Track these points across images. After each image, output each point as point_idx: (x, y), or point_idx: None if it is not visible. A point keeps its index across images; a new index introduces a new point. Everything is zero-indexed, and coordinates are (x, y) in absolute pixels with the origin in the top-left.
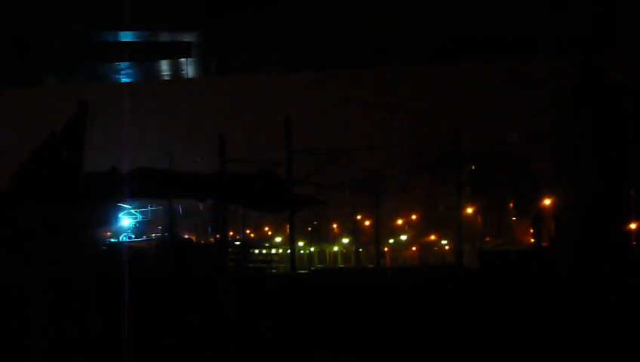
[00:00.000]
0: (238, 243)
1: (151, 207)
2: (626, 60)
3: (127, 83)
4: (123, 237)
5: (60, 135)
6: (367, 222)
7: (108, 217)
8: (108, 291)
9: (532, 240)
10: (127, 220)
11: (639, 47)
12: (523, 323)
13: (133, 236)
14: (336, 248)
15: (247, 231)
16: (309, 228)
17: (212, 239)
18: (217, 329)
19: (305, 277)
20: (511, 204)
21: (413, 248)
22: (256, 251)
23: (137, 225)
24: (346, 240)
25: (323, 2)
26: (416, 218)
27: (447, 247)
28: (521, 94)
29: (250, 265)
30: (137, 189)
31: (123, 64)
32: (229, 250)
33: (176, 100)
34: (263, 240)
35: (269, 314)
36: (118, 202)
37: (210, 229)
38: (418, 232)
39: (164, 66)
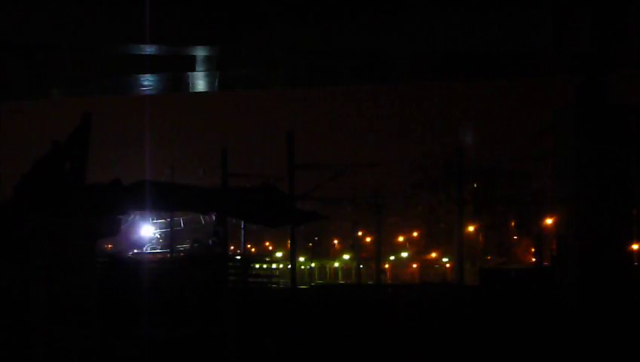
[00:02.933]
0: (238, 257)
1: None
2: (630, 79)
3: (130, 96)
4: (145, 249)
5: (64, 146)
6: (368, 239)
7: (110, 229)
8: (106, 302)
9: (533, 259)
10: (148, 231)
11: None
12: (523, 342)
13: (158, 248)
14: (337, 264)
15: (248, 246)
16: (310, 244)
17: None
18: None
19: (305, 293)
20: (513, 223)
21: (414, 265)
22: (257, 266)
23: (158, 237)
24: (346, 256)
25: (325, 17)
26: (418, 235)
27: (448, 265)
28: (524, 112)
29: (250, 279)
30: (140, 201)
31: (127, 77)
32: (230, 264)
33: (179, 113)
34: (263, 255)
35: (269, 330)
36: (121, 214)
37: (211, 243)
38: (419, 249)
39: (168, 80)
